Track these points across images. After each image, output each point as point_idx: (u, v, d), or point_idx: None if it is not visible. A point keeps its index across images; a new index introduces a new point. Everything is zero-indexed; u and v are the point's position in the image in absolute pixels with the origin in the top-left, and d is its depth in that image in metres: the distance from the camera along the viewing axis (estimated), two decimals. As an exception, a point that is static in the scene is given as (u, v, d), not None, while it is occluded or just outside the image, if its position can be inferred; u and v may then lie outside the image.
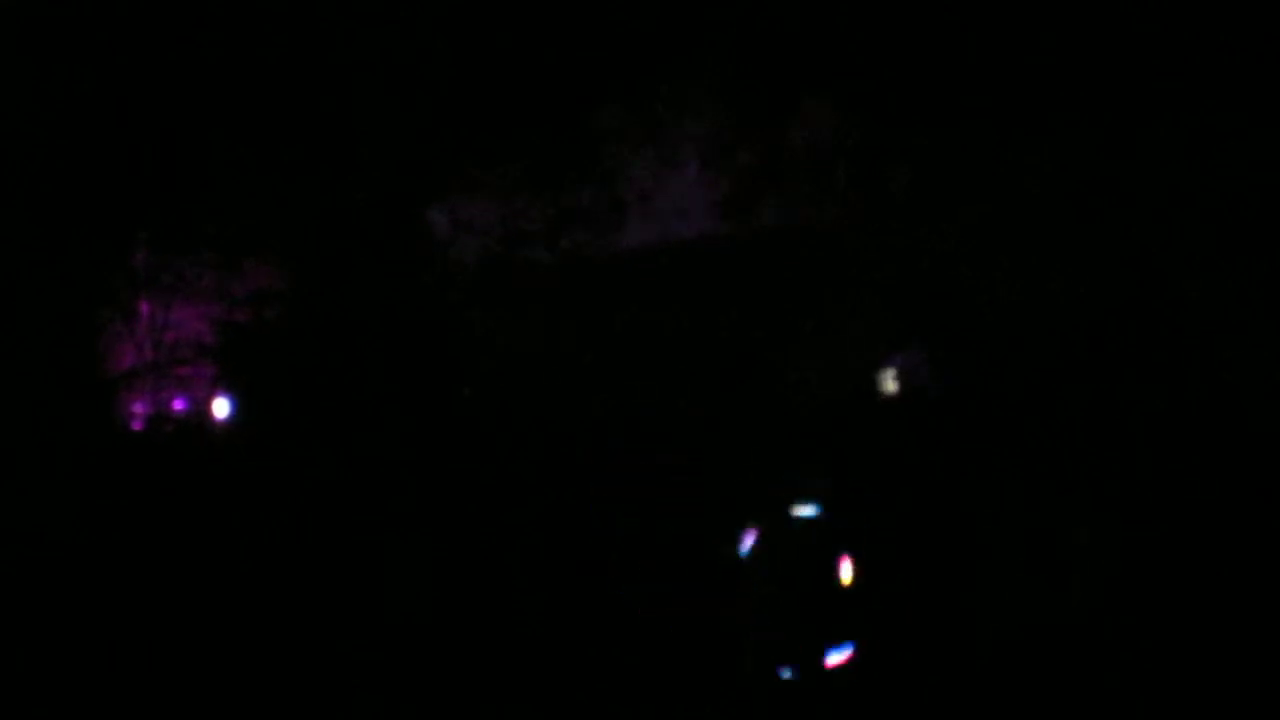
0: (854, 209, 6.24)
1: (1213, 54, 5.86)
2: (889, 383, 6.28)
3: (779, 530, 4.40)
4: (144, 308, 6.64)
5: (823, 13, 6.15)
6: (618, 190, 6.40)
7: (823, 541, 4.36)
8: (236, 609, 5.78)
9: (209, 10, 6.28)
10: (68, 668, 5.45)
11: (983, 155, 6.12)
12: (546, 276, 6.48)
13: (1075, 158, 6.11)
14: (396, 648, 5.62)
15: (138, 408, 6.65)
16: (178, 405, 6.67)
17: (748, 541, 4.47)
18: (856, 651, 4.39)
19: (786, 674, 4.34)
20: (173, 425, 6.63)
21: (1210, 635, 5.15)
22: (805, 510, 4.42)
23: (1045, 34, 6.01)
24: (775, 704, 4.41)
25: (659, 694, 5.28)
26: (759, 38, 6.23)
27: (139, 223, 6.56)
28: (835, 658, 4.33)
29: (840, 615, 4.34)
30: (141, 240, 6.59)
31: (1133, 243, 6.03)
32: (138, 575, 5.87)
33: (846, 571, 4.37)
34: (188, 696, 5.42)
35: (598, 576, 5.89)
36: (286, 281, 6.57)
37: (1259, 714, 4.83)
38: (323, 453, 6.27)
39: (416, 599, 5.84)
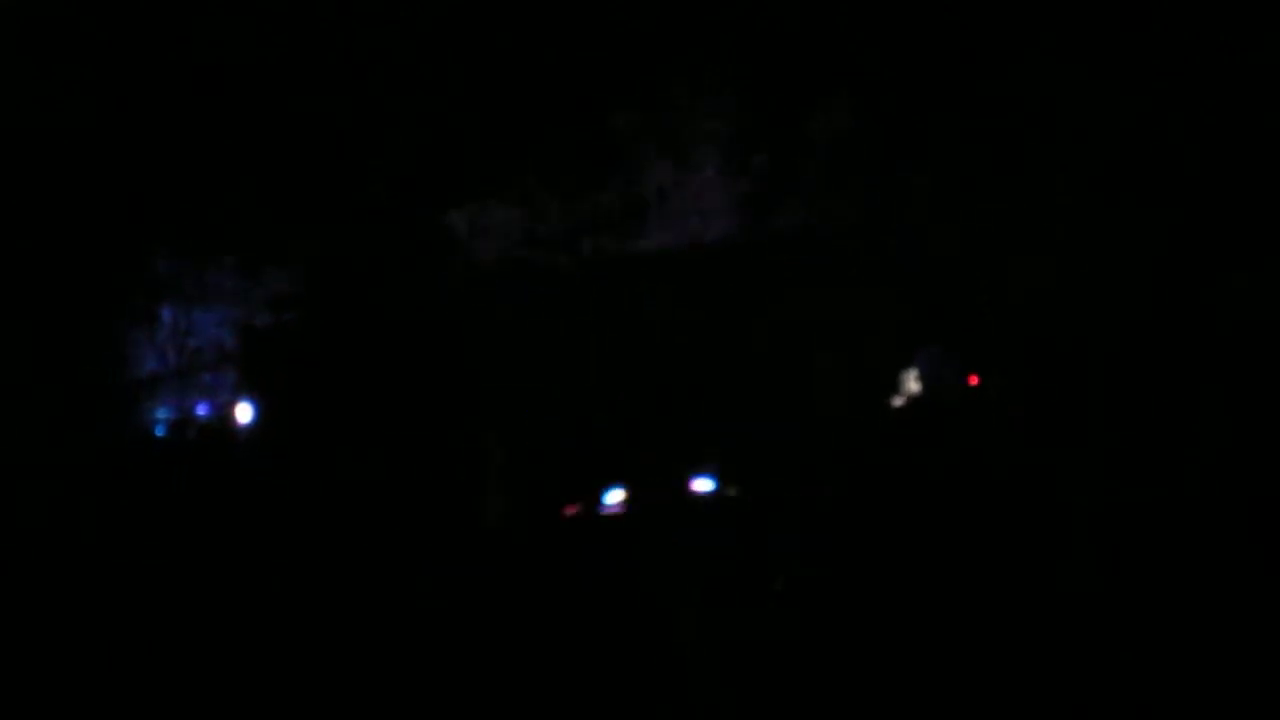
0: (876, 206, 6.19)
1: (1244, 41, 5.78)
2: (912, 383, 6.23)
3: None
4: (165, 313, 6.68)
5: (839, 7, 6.11)
6: (637, 192, 6.37)
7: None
8: (257, 611, 5.82)
9: (226, 14, 6.30)
10: (84, 668, 5.50)
11: (1008, 149, 6.07)
12: (567, 279, 6.46)
13: (1104, 150, 6.05)
14: (414, 648, 5.65)
15: (160, 414, 6.68)
16: (200, 411, 6.69)
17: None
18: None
19: None
20: (195, 431, 6.65)
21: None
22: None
23: (1071, 25, 5.95)
24: None
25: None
26: (775, 33, 6.19)
27: (159, 228, 6.59)
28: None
29: None
30: (161, 245, 6.62)
31: (1164, 237, 5.96)
32: (159, 580, 5.91)
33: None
34: (202, 695, 5.47)
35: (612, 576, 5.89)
36: (306, 286, 6.58)
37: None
38: (345, 456, 6.29)
39: (435, 600, 5.86)
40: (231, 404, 6.66)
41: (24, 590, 5.74)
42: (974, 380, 6.03)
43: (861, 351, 6.23)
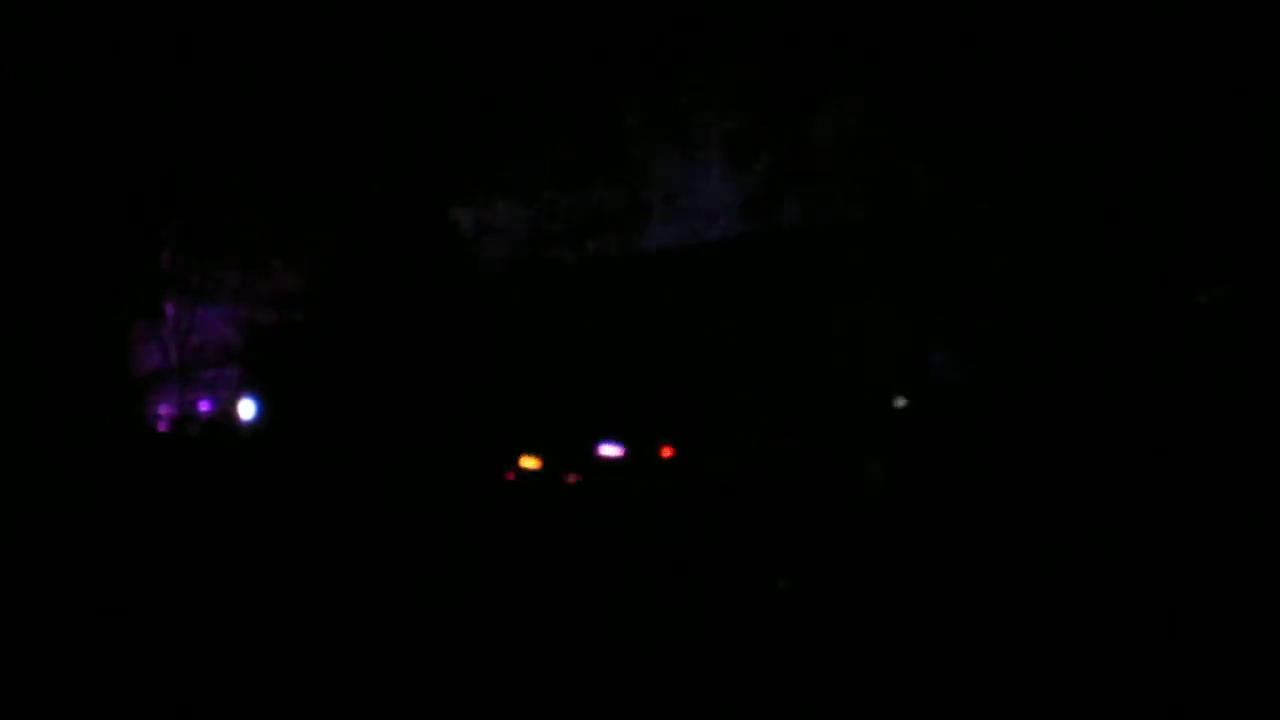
0: (881, 207, 6.19)
1: (1246, 50, 5.79)
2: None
3: None
4: (169, 310, 6.67)
5: (844, 5, 6.13)
6: (642, 191, 6.38)
7: None
8: (258, 610, 5.79)
9: (231, 9, 6.31)
10: (82, 667, 5.46)
11: (1014, 150, 6.07)
12: (572, 278, 6.47)
13: (1109, 155, 6.05)
14: (412, 649, 5.61)
15: (163, 409, 6.66)
16: (203, 407, 6.68)
17: None
18: None
19: None
20: (198, 427, 6.63)
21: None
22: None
23: (1076, 29, 5.96)
24: None
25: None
26: (783, 31, 6.21)
27: (163, 223, 6.59)
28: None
29: None
30: (166, 242, 6.62)
31: (1165, 243, 5.96)
32: (160, 576, 5.88)
33: None
34: (202, 696, 5.42)
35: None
36: (311, 283, 6.58)
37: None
38: (348, 455, 6.27)
39: (436, 601, 5.83)
40: (234, 401, 6.65)
41: (23, 585, 5.71)
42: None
43: (865, 352, 6.22)
